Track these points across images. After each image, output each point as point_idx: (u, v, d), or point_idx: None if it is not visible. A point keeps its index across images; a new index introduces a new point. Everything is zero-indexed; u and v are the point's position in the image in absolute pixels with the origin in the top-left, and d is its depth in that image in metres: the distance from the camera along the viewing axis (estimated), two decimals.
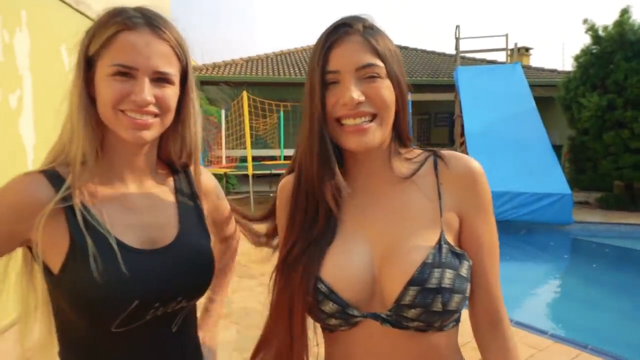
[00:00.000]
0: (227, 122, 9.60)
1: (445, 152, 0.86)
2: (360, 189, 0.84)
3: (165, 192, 0.91)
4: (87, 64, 0.80)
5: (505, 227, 7.42)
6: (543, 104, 10.55)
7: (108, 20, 0.78)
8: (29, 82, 3.57)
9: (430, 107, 15.64)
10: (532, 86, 9.91)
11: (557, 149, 9.27)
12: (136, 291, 0.77)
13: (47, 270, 0.77)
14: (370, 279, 0.77)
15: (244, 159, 10.18)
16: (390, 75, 0.78)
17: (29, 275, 0.84)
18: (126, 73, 0.77)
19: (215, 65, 13.14)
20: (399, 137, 0.85)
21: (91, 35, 0.79)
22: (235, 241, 1.17)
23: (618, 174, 8.69)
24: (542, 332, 3.36)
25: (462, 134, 9.82)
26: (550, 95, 11.34)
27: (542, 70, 14.23)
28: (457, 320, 0.82)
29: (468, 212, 0.83)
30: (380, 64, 0.77)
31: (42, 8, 3.76)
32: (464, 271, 0.77)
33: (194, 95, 0.90)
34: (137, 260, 0.79)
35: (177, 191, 0.93)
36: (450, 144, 13.86)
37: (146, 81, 0.78)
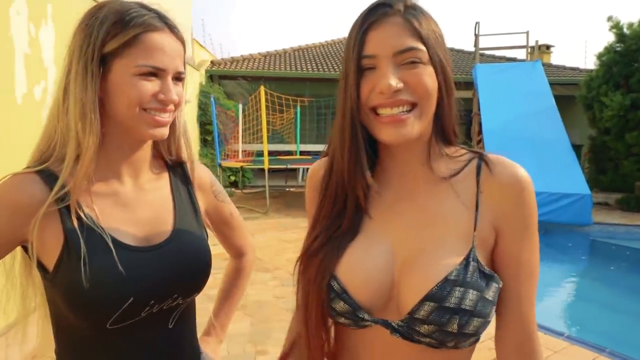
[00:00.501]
0: (244, 116, 9.64)
1: (492, 157, 0.77)
2: (393, 185, 0.78)
3: (160, 187, 0.91)
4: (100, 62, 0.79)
5: None
6: (563, 102, 10.34)
7: (129, 20, 0.77)
8: (53, 74, 3.64)
9: None
10: (553, 84, 9.71)
11: (577, 148, 9.09)
12: (131, 289, 0.77)
13: (41, 269, 0.78)
14: (389, 283, 0.72)
15: (260, 154, 10.22)
16: (434, 61, 0.70)
17: (27, 275, 0.84)
18: (154, 73, 0.78)
19: (233, 60, 13.18)
20: (442, 132, 0.77)
21: (106, 32, 0.77)
22: (247, 261, 1.12)
23: None
24: (558, 334, 3.31)
25: (480, 132, 9.70)
26: (571, 93, 11.10)
27: (564, 68, 13.93)
28: (477, 340, 0.74)
29: (508, 228, 0.73)
30: (423, 47, 0.69)
31: (67, 2, 3.82)
32: (491, 294, 0.70)
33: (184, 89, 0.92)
34: (132, 258, 0.79)
35: (173, 186, 0.92)
36: (467, 141, 13.69)
37: (171, 81, 0.80)
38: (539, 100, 8.99)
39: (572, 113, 11.23)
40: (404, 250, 0.73)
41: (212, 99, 9.17)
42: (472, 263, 0.70)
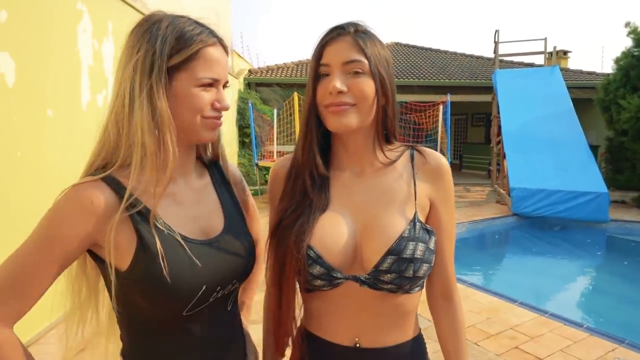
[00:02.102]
0: (278, 120, 9.73)
1: (421, 147, 0.93)
2: (347, 170, 0.90)
3: (205, 185, 0.92)
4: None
5: (539, 223, 7.13)
6: (581, 105, 9.97)
7: (191, 35, 0.80)
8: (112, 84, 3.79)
9: (467, 107, 15.14)
10: (570, 88, 9.38)
11: (594, 149, 8.74)
12: (203, 278, 0.79)
13: (106, 268, 0.76)
14: (353, 246, 0.83)
15: None
16: (374, 74, 0.82)
17: (82, 274, 0.84)
18: (211, 84, 0.81)
19: (268, 69, 13.32)
20: (384, 129, 0.89)
21: (171, 47, 0.78)
22: (262, 247, 1.10)
23: None
24: (577, 325, 3.21)
25: (499, 133, 9.48)
26: (589, 97, 10.69)
27: (581, 72, 13.38)
28: (422, 286, 0.89)
29: (436, 199, 0.89)
30: (365, 60, 0.81)
31: (125, 19, 3.97)
32: (432, 245, 0.84)
33: None
34: (200, 251, 0.80)
35: (215, 183, 0.94)
36: (487, 142, 13.39)
37: (222, 89, 0.84)
38: (557, 103, 8.71)
39: (589, 115, 10.81)
40: (363, 220, 0.84)
41: (249, 105, 9.30)
42: (417, 223, 0.84)
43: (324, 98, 0.83)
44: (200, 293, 0.78)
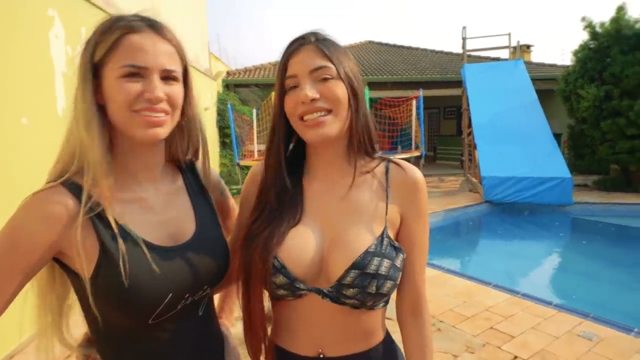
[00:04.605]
0: (258, 120, 9.64)
1: (397, 160, 0.89)
2: (320, 179, 0.87)
3: (177, 189, 0.87)
4: (93, 72, 0.74)
5: (510, 208, 7.28)
6: (544, 96, 10.20)
7: (111, 26, 0.73)
8: None
9: (439, 101, 15.34)
10: (534, 80, 9.59)
11: (557, 137, 8.98)
12: (169, 286, 0.74)
13: (76, 276, 0.73)
14: (319, 258, 0.79)
15: None
16: (342, 76, 0.80)
17: (51, 285, 0.79)
18: (137, 73, 0.72)
19: (246, 70, 13.17)
20: (357, 135, 0.84)
21: (94, 42, 0.73)
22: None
23: (614, 159, 8.39)
24: (547, 303, 3.30)
25: (469, 125, 9.63)
26: (551, 87, 10.95)
27: (543, 65, 13.71)
28: (386, 302, 0.85)
29: (408, 214, 0.85)
30: (332, 66, 0.79)
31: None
32: (399, 262, 0.80)
33: (195, 93, 0.86)
34: (165, 257, 0.76)
35: (188, 187, 0.89)
36: (459, 134, 13.58)
37: (157, 79, 0.74)
38: (522, 94, 8.92)
39: (551, 105, 11.08)
40: (331, 232, 0.81)
41: (229, 106, 9.18)
42: (385, 239, 0.80)
43: (296, 109, 0.79)
44: (165, 301, 0.74)
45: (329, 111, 0.79)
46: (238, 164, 8.91)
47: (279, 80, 0.82)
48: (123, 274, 0.70)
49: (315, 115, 0.78)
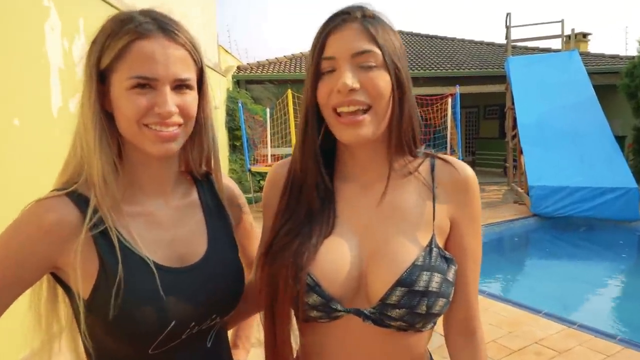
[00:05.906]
0: (272, 120, 9.74)
1: (444, 156, 0.86)
2: (354, 181, 0.84)
3: (190, 204, 0.88)
4: (100, 78, 0.76)
5: (562, 224, 7.13)
6: (603, 92, 9.98)
7: (118, 30, 0.74)
8: None
9: (479, 99, 15.18)
10: (591, 74, 9.41)
11: (619, 140, 8.75)
12: (173, 313, 0.74)
13: (71, 294, 0.75)
14: (357, 274, 0.77)
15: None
16: (388, 66, 0.76)
17: (52, 303, 0.80)
18: (146, 85, 0.74)
19: (259, 64, 13.35)
20: (399, 132, 0.81)
21: (101, 47, 0.75)
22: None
23: None
24: (609, 336, 3.19)
25: (514, 127, 9.50)
26: (612, 82, 10.69)
27: (603, 56, 13.40)
28: (435, 323, 0.81)
29: (460, 218, 0.82)
30: (378, 51, 0.75)
31: (98, 15, 3.96)
32: (451, 276, 0.78)
33: (210, 98, 0.87)
34: (171, 280, 0.76)
35: (203, 202, 0.89)
36: (501, 137, 13.40)
37: (167, 91, 0.75)
38: (577, 91, 8.75)
39: (613, 103, 10.83)
40: (370, 243, 0.79)
41: (239, 105, 9.31)
42: (434, 249, 0.77)
43: (331, 98, 0.76)
44: (167, 330, 0.74)
45: (369, 107, 0.75)
46: (249, 170, 8.99)
47: (313, 61, 0.77)
48: (121, 296, 0.71)
49: (352, 109, 0.75)
